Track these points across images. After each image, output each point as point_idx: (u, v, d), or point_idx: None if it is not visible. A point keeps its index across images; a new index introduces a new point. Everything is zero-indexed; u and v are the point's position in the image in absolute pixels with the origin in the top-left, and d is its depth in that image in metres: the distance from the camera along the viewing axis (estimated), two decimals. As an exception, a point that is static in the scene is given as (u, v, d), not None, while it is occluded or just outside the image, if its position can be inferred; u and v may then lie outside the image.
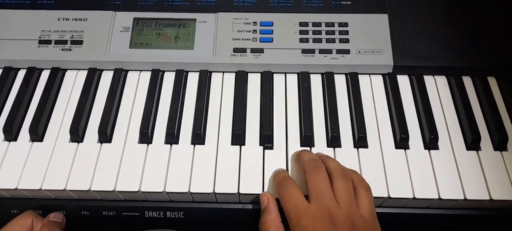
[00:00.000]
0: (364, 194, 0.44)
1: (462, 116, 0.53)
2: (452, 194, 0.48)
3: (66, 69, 0.58)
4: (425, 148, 0.51)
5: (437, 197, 0.48)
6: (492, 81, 0.56)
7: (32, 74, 0.56)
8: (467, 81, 0.56)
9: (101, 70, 0.58)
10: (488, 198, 0.48)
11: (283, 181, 0.45)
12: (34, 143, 0.51)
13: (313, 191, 0.43)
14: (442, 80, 0.57)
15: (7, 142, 0.51)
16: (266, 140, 0.51)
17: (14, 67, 0.57)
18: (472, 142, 0.51)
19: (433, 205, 0.49)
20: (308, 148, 0.51)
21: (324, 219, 0.41)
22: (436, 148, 0.51)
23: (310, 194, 0.43)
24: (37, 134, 0.51)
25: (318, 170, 0.44)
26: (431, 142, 0.51)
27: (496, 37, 0.57)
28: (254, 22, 0.58)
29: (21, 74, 0.57)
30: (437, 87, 0.56)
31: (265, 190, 0.48)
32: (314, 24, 0.58)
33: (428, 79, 0.56)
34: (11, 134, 0.51)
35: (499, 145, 0.51)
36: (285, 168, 0.49)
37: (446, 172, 0.49)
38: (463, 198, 0.47)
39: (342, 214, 0.41)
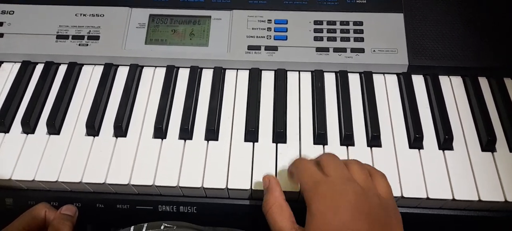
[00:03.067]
0: (380, 179, 0.42)
1: (477, 116, 0.53)
2: (466, 195, 0.47)
3: (82, 64, 0.58)
4: (440, 148, 0.51)
5: (451, 197, 0.47)
6: (508, 83, 0.55)
7: (50, 68, 0.58)
8: (483, 82, 0.56)
9: (117, 66, 0.58)
10: (503, 199, 0.47)
11: (298, 160, 0.45)
12: (51, 136, 0.52)
13: (327, 165, 0.41)
14: (457, 81, 0.56)
15: (25, 135, 0.52)
16: (279, 137, 0.51)
17: (32, 61, 0.59)
18: (487, 143, 0.50)
19: (447, 205, 0.49)
20: (321, 146, 0.51)
21: (343, 185, 0.39)
22: (451, 148, 0.51)
23: (325, 169, 0.41)
24: (54, 127, 0.52)
25: (332, 154, 0.44)
26: (445, 142, 0.50)
27: (513, 38, 0.56)
28: (268, 20, 0.58)
29: (39, 69, 0.58)
30: (453, 88, 0.56)
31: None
32: (329, 23, 0.58)
33: (443, 80, 0.56)
34: (29, 126, 0.52)
35: (515, 146, 0.50)
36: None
37: (460, 172, 0.49)
38: (477, 199, 0.47)
39: (360, 186, 0.39)
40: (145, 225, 0.48)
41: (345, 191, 0.38)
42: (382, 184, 0.42)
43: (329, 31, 0.57)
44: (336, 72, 0.57)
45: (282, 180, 0.48)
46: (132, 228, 0.48)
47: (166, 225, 0.48)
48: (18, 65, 0.58)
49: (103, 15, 0.59)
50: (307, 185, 0.40)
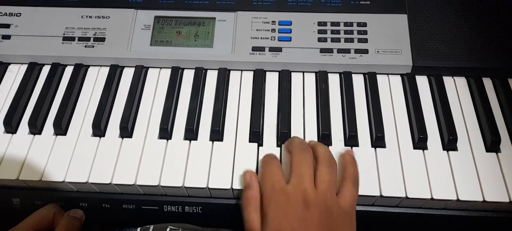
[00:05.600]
0: (349, 187, 0.44)
1: (481, 117, 0.53)
2: (471, 195, 0.47)
3: (88, 66, 0.59)
4: (444, 149, 0.51)
5: (455, 198, 0.47)
6: (513, 83, 0.56)
7: (56, 70, 0.58)
8: (487, 82, 0.56)
9: (123, 67, 0.59)
10: (507, 200, 0.47)
11: (267, 159, 0.46)
12: (58, 136, 0.53)
13: (295, 169, 0.43)
14: (461, 81, 0.56)
15: (32, 136, 0.53)
16: (284, 138, 0.51)
17: (39, 63, 0.59)
18: (492, 144, 0.50)
19: (451, 206, 0.49)
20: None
21: (298, 199, 0.41)
22: (455, 149, 0.51)
23: (291, 172, 0.44)
24: (61, 128, 0.53)
25: (305, 152, 0.45)
26: (449, 143, 0.50)
27: (518, 39, 0.56)
28: (273, 21, 0.59)
29: (45, 70, 0.59)
30: (457, 88, 0.56)
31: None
32: (333, 24, 0.58)
33: (448, 80, 0.56)
34: (36, 127, 0.53)
35: (520, 147, 0.50)
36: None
37: (464, 173, 0.49)
38: (481, 200, 0.47)
39: (317, 198, 0.42)
40: (151, 227, 0.49)
41: (297, 203, 0.41)
42: (348, 194, 0.44)
43: (333, 32, 0.57)
44: (340, 73, 0.57)
45: None
46: (138, 229, 0.49)
47: (171, 227, 0.49)
48: (25, 67, 0.59)
49: (109, 17, 0.60)
50: (266, 191, 0.43)
